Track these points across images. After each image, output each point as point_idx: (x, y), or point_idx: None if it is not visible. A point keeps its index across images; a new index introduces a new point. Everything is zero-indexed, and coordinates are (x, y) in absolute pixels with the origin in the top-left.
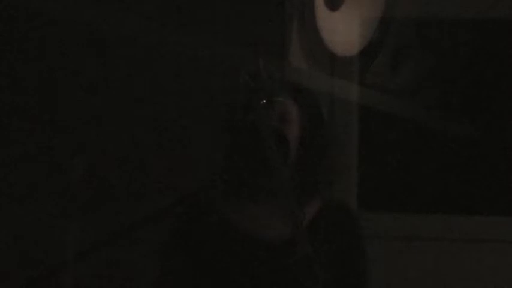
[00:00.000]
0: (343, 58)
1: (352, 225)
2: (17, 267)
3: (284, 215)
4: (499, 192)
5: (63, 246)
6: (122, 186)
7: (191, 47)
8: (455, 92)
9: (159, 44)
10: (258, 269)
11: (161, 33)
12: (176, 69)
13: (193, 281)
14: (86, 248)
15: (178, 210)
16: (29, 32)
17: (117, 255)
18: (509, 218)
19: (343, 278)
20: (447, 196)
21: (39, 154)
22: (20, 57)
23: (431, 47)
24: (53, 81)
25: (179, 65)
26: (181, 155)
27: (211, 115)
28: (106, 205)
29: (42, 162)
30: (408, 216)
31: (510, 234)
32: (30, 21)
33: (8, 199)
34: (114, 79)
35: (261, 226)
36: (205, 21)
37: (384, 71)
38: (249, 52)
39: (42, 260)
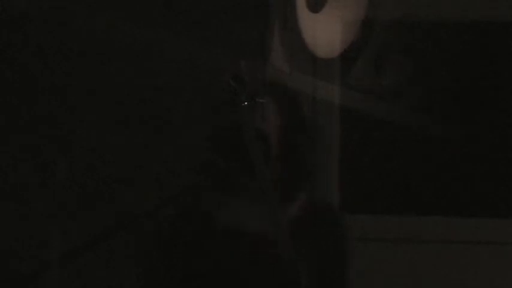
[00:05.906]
0: (324, 60)
1: (335, 224)
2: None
3: (267, 214)
4: (484, 193)
5: (47, 247)
6: (108, 186)
7: (174, 48)
8: (438, 94)
9: (143, 45)
10: (242, 267)
11: (148, 34)
12: (159, 70)
13: (177, 281)
14: (70, 250)
15: (163, 211)
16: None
17: (99, 259)
18: (495, 220)
19: (324, 277)
20: (431, 197)
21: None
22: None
23: (414, 49)
24: (37, 81)
25: (161, 65)
26: (168, 154)
27: (194, 116)
28: (91, 207)
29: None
30: (391, 218)
31: (496, 236)
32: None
33: None
34: (103, 78)
35: (245, 225)
36: (188, 23)
37: (367, 73)
38: (231, 53)
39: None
